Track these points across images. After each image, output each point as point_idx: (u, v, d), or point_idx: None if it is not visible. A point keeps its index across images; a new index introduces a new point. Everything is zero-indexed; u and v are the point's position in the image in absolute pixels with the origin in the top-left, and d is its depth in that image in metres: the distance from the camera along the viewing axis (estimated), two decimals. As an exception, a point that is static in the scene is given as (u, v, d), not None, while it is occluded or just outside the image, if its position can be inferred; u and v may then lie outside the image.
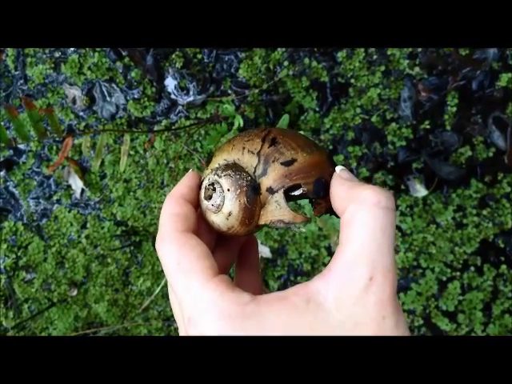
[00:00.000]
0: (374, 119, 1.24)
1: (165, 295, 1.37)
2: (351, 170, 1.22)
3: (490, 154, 1.21)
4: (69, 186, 1.38)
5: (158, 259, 1.36)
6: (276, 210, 0.35)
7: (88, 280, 1.39)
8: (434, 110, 1.23)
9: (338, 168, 0.36)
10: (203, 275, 0.30)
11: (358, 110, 1.25)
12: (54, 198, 1.39)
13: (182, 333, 0.32)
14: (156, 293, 1.35)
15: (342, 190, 0.33)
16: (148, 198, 1.35)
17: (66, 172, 1.37)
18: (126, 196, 1.36)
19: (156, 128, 1.32)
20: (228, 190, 0.35)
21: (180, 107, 1.31)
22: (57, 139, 1.35)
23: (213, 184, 0.36)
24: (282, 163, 0.35)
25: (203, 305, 0.29)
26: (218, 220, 0.37)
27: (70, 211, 1.38)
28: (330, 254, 1.28)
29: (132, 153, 1.34)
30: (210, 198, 0.36)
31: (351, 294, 0.29)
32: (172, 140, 1.32)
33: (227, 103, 1.27)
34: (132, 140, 1.33)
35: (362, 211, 0.31)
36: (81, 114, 1.35)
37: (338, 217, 0.35)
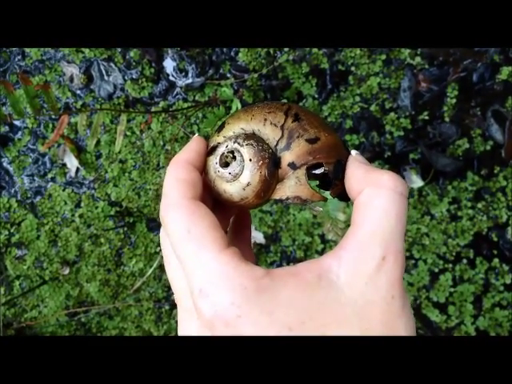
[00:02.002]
0: (372, 108, 1.24)
1: (157, 277, 1.37)
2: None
3: (488, 148, 1.21)
4: (64, 165, 1.37)
5: (151, 241, 1.36)
6: (295, 186, 0.35)
7: (80, 259, 1.39)
8: (433, 101, 1.22)
9: (354, 152, 0.36)
10: (216, 246, 0.29)
11: (357, 99, 1.24)
12: (49, 175, 1.38)
13: (185, 305, 0.32)
14: (148, 274, 1.35)
15: (359, 172, 0.34)
16: (143, 180, 1.34)
17: (62, 150, 1.36)
18: (121, 176, 1.35)
19: (153, 109, 1.31)
20: (250, 160, 0.34)
21: (178, 89, 1.30)
22: (53, 117, 1.34)
23: (232, 152, 0.35)
24: (306, 140, 0.35)
25: (217, 277, 0.28)
26: (231, 189, 0.35)
27: (64, 190, 1.38)
28: (324, 241, 1.28)
29: (128, 133, 1.33)
30: (226, 165, 0.35)
31: (364, 272, 0.29)
32: (169, 122, 1.31)
33: (226, 87, 1.26)
34: (129, 120, 1.32)
35: (379, 194, 0.31)
36: (78, 92, 1.34)
37: (346, 200, 0.36)
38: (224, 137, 0.37)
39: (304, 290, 0.29)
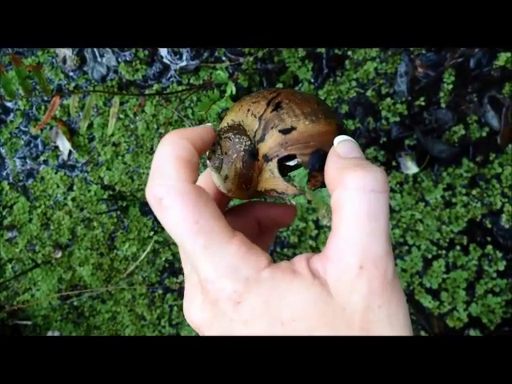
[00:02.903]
0: (369, 93, 1.23)
1: (150, 261, 1.36)
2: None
3: (484, 134, 1.20)
4: (56, 147, 1.36)
5: (144, 225, 1.35)
6: (269, 179, 0.34)
7: (73, 243, 1.38)
8: (429, 87, 1.21)
9: (337, 139, 0.33)
10: (223, 237, 0.29)
11: (354, 84, 1.23)
12: (41, 158, 1.37)
13: (192, 280, 0.32)
14: (141, 258, 1.35)
15: (332, 170, 0.31)
16: (137, 163, 1.33)
17: (54, 133, 1.34)
18: (114, 160, 1.34)
19: (147, 92, 1.30)
20: (225, 153, 0.34)
21: (172, 72, 1.29)
22: (45, 99, 1.32)
23: (214, 144, 0.35)
24: (280, 130, 0.34)
25: (224, 269, 0.28)
26: (218, 181, 0.36)
27: (56, 172, 1.36)
28: (318, 227, 1.27)
29: (122, 116, 1.31)
30: (210, 158, 0.35)
31: (346, 282, 0.28)
32: (163, 105, 1.29)
33: (221, 70, 1.25)
34: (122, 103, 1.31)
35: (346, 197, 0.29)
36: (71, 74, 1.33)
37: None
38: (217, 129, 0.37)
39: (299, 289, 0.28)
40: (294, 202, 0.35)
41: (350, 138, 0.33)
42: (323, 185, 0.34)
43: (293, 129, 0.34)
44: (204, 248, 0.28)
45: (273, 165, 0.34)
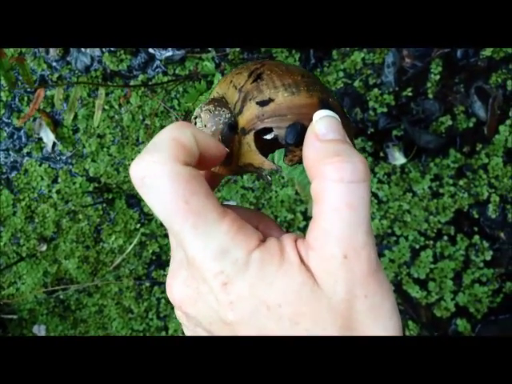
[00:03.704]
0: (356, 84, 1.22)
1: (137, 254, 1.35)
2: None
3: (471, 125, 1.20)
4: (40, 139, 1.34)
5: (130, 217, 1.34)
6: (247, 153, 0.33)
7: (58, 236, 1.36)
8: (417, 77, 1.21)
9: (317, 115, 0.31)
10: (214, 215, 0.28)
11: (341, 74, 1.22)
12: (25, 150, 1.34)
13: (178, 257, 0.31)
14: (128, 251, 1.33)
15: (309, 155, 0.30)
16: (122, 155, 1.31)
17: (38, 124, 1.32)
18: (99, 152, 1.32)
19: (132, 83, 1.28)
20: (205, 125, 0.33)
21: (158, 62, 1.27)
22: (28, 90, 1.30)
23: (196, 117, 0.34)
24: (257, 102, 0.32)
25: (212, 248, 0.27)
26: None
27: (40, 165, 1.34)
28: (306, 218, 1.27)
29: (106, 107, 1.30)
30: None
31: (330, 271, 0.28)
32: (148, 96, 1.28)
33: (207, 60, 1.23)
34: (107, 94, 1.29)
35: (325, 188, 0.28)
36: (54, 64, 1.30)
37: None
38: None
39: (286, 272, 0.28)
40: (270, 178, 0.33)
41: (331, 113, 0.31)
42: (301, 161, 0.32)
43: (270, 100, 0.32)
44: (194, 228, 0.27)
45: (249, 138, 0.32)
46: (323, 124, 0.31)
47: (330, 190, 0.28)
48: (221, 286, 0.27)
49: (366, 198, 0.28)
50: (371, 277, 0.28)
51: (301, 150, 0.31)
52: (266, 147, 0.33)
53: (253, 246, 0.28)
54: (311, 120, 0.31)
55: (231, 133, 0.33)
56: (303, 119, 0.32)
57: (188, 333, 0.34)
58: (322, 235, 0.28)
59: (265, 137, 0.33)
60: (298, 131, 0.31)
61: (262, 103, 0.32)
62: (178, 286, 0.30)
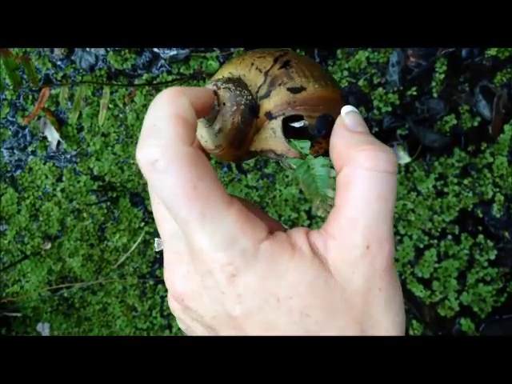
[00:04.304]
0: (360, 83, 1.22)
1: (141, 252, 1.35)
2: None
3: (475, 124, 1.20)
4: (44, 138, 1.34)
5: (135, 216, 1.34)
6: (270, 138, 0.32)
7: (63, 234, 1.37)
8: (421, 77, 1.21)
9: (344, 110, 0.31)
10: (221, 203, 0.27)
11: (346, 73, 1.22)
12: (29, 149, 1.35)
13: (175, 248, 0.30)
14: (132, 249, 1.34)
15: (340, 144, 0.30)
16: (126, 154, 1.32)
17: (42, 123, 1.33)
18: (103, 150, 1.32)
19: (136, 82, 1.28)
20: (224, 104, 0.31)
21: (162, 61, 1.27)
22: (33, 89, 1.30)
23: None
24: (288, 88, 0.32)
25: (220, 238, 0.26)
26: (207, 135, 0.33)
27: (45, 163, 1.35)
28: (310, 217, 1.27)
29: (111, 106, 1.30)
30: None
31: (349, 261, 0.27)
32: (153, 95, 1.28)
33: (211, 59, 1.24)
34: (111, 93, 1.29)
35: (357, 175, 0.28)
36: (58, 63, 1.30)
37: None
38: (211, 80, 0.34)
39: (298, 264, 0.27)
40: (294, 167, 0.33)
41: (356, 109, 0.32)
42: (326, 153, 0.32)
43: (302, 89, 0.32)
44: (201, 216, 0.26)
45: (276, 124, 0.32)
46: (351, 118, 0.31)
47: (362, 177, 0.28)
48: (228, 278, 0.27)
49: (395, 190, 0.28)
50: (388, 271, 0.28)
51: (327, 142, 0.31)
52: (289, 135, 0.33)
53: (262, 237, 0.27)
54: (337, 114, 0.32)
55: (252, 116, 0.32)
56: (331, 112, 0.32)
57: (182, 326, 0.33)
58: (347, 224, 0.28)
59: (293, 124, 0.32)
60: (328, 123, 0.31)
61: (294, 90, 0.32)
62: (178, 280, 0.30)
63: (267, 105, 0.32)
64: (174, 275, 0.30)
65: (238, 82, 0.32)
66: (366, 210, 0.28)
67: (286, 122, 0.32)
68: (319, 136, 0.32)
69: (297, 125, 0.32)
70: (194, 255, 0.28)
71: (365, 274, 0.27)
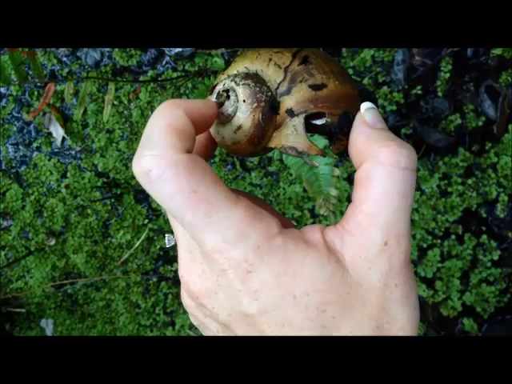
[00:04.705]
0: (365, 81, 1.22)
1: (144, 249, 1.36)
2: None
3: (480, 123, 1.20)
4: (49, 134, 1.34)
5: (138, 213, 1.34)
6: (291, 135, 0.32)
7: (67, 230, 1.37)
8: (426, 75, 1.21)
9: (364, 106, 0.31)
10: (227, 201, 0.27)
11: (350, 71, 1.22)
12: (34, 144, 1.35)
13: (187, 245, 0.30)
14: (136, 246, 1.34)
15: (360, 140, 0.30)
16: (131, 151, 1.32)
17: (47, 119, 1.33)
18: (108, 147, 1.32)
19: (142, 78, 1.28)
20: (244, 100, 0.31)
21: (167, 58, 1.27)
22: (38, 84, 1.30)
23: (228, 91, 0.32)
24: (310, 85, 0.31)
25: (231, 235, 0.26)
26: (224, 131, 0.32)
27: (50, 159, 1.35)
28: (314, 215, 1.27)
29: (116, 103, 1.30)
30: (221, 105, 0.32)
31: (366, 257, 0.28)
32: (158, 92, 1.28)
33: (216, 56, 1.23)
34: (116, 89, 1.29)
35: (378, 171, 0.28)
36: (64, 59, 1.31)
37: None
38: (227, 75, 0.33)
39: (314, 260, 0.27)
40: (316, 164, 0.33)
41: (375, 106, 0.32)
42: (345, 151, 0.32)
43: (324, 86, 0.31)
44: (207, 217, 0.26)
45: (298, 121, 0.31)
46: (371, 114, 0.31)
47: (383, 173, 0.28)
48: (243, 275, 0.27)
49: (413, 187, 0.28)
50: (405, 267, 0.28)
51: (347, 139, 0.31)
52: (309, 132, 0.32)
53: (274, 232, 0.27)
54: (356, 110, 0.32)
55: (272, 112, 0.32)
56: (351, 109, 0.32)
57: (195, 322, 0.33)
58: (366, 219, 0.28)
59: (314, 121, 0.32)
60: (350, 120, 0.31)
61: (315, 87, 0.31)
62: (194, 278, 0.30)
63: (288, 102, 0.32)
64: (189, 274, 0.30)
65: (256, 78, 0.32)
66: (386, 207, 0.28)
67: (308, 119, 0.32)
68: (341, 133, 0.32)
69: (318, 122, 0.32)
70: (207, 255, 0.27)
71: (382, 270, 0.27)
